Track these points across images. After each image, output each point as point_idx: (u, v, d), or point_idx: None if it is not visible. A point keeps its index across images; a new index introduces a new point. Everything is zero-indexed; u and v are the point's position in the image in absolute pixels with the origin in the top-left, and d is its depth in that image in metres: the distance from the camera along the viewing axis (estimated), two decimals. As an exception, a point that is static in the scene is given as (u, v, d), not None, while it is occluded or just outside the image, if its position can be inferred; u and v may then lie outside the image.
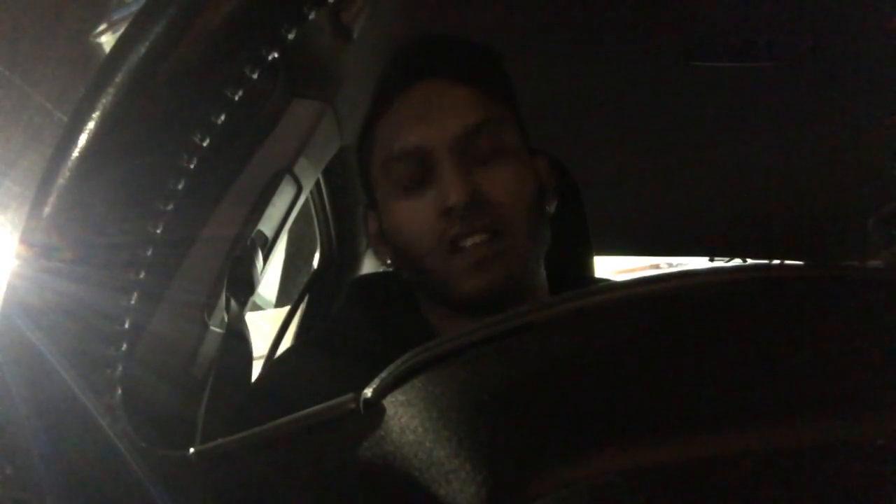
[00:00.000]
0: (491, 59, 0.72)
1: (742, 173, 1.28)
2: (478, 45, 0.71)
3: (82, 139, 0.35)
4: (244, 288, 0.69)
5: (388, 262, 0.73)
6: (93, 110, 0.35)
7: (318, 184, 1.10)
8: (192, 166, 0.37)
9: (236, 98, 0.38)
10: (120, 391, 0.37)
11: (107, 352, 0.36)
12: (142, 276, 0.37)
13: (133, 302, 0.37)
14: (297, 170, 0.77)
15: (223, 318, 0.66)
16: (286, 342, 1.23)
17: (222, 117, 0.37)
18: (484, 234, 0.62)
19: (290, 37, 0.38)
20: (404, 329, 0.69)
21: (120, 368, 0.37)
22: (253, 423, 0.34)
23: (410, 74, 0.68)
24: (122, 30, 0.36)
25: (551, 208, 0.73)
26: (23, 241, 0.35)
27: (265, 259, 0.80)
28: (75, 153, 0.35)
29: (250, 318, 0.76)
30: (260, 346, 0.87)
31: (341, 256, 1.26)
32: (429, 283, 0.67)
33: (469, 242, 0.62)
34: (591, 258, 0.88)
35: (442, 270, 0.64)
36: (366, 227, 0.75)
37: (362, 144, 0.73)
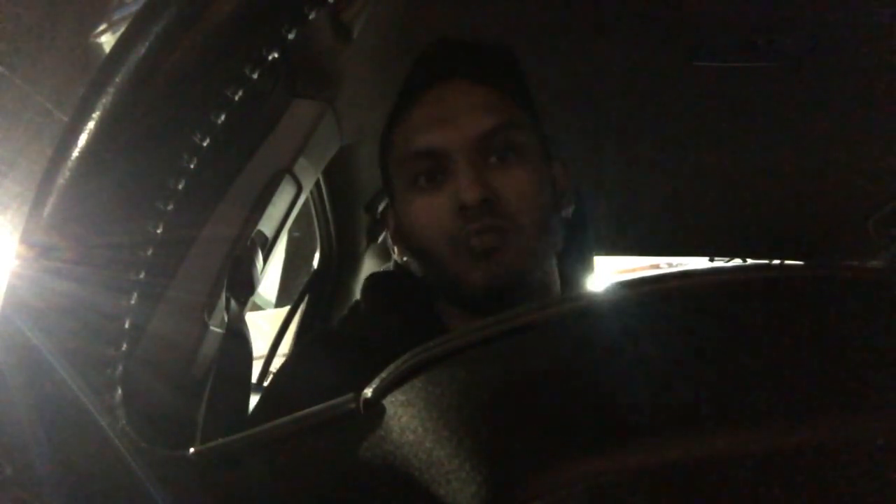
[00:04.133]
0: (512, 62, 0.74)
1: (742, 173, 1.28)
2: (499, 47, 0.73)
3: (82, 139, 0.35)
4: (244, 288, 0.69)
5: (405, 258, 0.75)
6: (93, 110, 0.35)
7: (318, 184, 1.10)
8: (192, 166, 0.37)
9: (236, 98, 0.38)
10: (120, 391, 0.37)
11: (107, 352, 0.36)
12: (142, 276, 0.37)
13: (133, 302, 0.37)
14: (297, 170, 0.77)
15: (223, 318, 0.66)
16: (286, 342, 1.23)
17: (222, 117, 0.37)
18: (493, 232, 0.63)
19: (291, 37, 0.38)
20: (419, 327, 0.70)
21: (120, 368, 0.37)
22: (274, 414, 0.34)
23: (433, 75, 0.70)
24: (122, 30, 0.36)
25: (567, 213, 0.75)
26: (23, 241, 0.35)
27: (265, 259, 0.80)
28: (75, 153, 0.35)
29: (250, 318, 0.76)
30: (260, 346, 0.87)
31: (341, 256, 1.26)
32: (441, 279, 0.68)
33: (478, 239, 0.63)
34: (592, 259, 0.88)
35: (452, 265, 0.65)
36: (385, 224, 0.78)
37: (384, 142, 0.75)
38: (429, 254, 0.67)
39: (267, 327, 1.82)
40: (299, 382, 0.67)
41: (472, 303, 0.67)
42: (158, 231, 0.37)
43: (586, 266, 0.87)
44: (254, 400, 0.69)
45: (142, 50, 0.35)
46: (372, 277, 0.81)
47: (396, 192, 0.73)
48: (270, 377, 0.72)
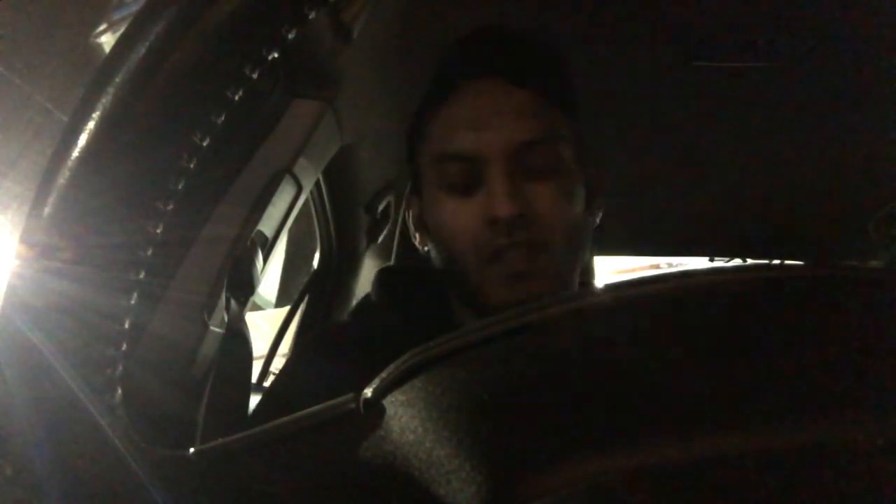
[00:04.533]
0: (557, 63, 0.70)
1: (742, 173, 1.28)
2: (543, 43, 0.69)
3: (82, 139, 0.35)
4: (244, 288, 0.69)
5: (426, 249, 0.73)
6: (93, 110, 0.35)
7: (318, 184, 1.10)
8: (192, 166, 0.37)
9: (236, 98, 0.38)
10: (120, 391, 0.37)
11: (107, 352, 0.36)
12: (142, 276, 0.37)
13: (133, 302, 0.37)
14: (297, 170, 0.77)
15: (223, 318, 0.66)
16: (286, 342, 1.23)
17: (222, 117, 0.37)
18: (525, 249, 0.62)
19: (291, 37, 0.38)
20: (432, 323, 0.69)
21: (120, 368, 0.37)
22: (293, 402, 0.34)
23: (470, 68, 0.67)
24: (122, 30, 0.36)
25: (596, 219, 0.73)
26: (23, 241, 0.35)
27: (265, 259, 0.80)
28: (75, 153, 0.35)
29: (250, 318, 0.76)
30: (260, 346, 0.87)
31: (341, 256, 1.26)
32: (462, 284, 0.67)
33: (510, 255, 0.62)
34: (592, 260, 0.88)
35: (477, 276, 0.64)
36: (406, 210, 0.75)
37: (413, 132, 0.72)
38: (453, 257, 0.66)
39: (267, 327, 1.82)
40: (305, 380, 0.66)
41: (491, 314, 0.66)
42: (158, 231, 0.37)
43: (586, 267, 0.87)
44: (254, 400, 0.69)
45: (142, 50, 0.35)
46: (384, 272, 0.79)
47: (425, 186, 0.70)
48: (275, 374, 0.72)
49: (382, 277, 0.78)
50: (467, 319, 0.69)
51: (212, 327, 0.65)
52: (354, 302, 1.34)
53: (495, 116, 0.64)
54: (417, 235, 0.75)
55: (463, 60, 0.69)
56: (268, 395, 0.69)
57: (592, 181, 0.70)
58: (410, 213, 0.75)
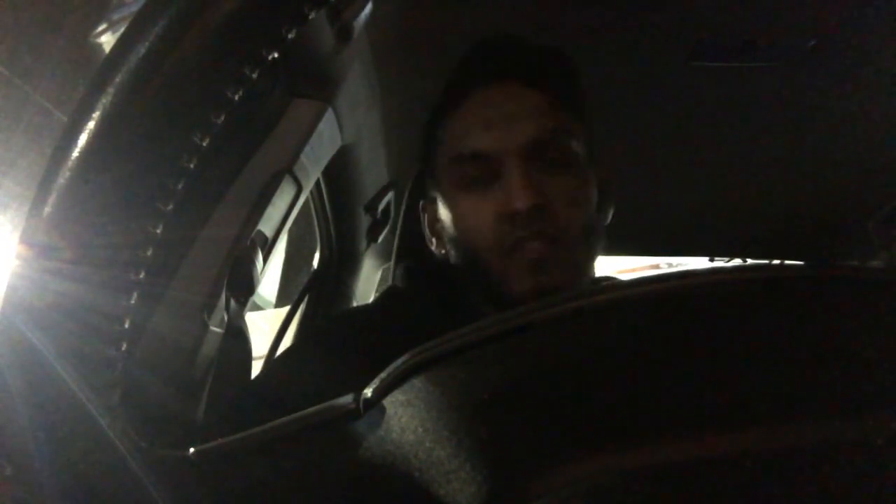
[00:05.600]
0: (566, 66, 0.73)
1: (742, 173, 1.28)
2: (554, 49, 0.72)
3: (82, 139, 0.35)
4: (244, 288, 0.69)
5: (443, 252, 0.75)
6: (93, 110, 0.35)
7: (318, 184, 1.10)
8: (192, 166, 0.37)
9: (236, 98, 0.38)
10: (120, 391, 0.37)
11: (107, 352, 0.36)
12: (142, 276, 0.37)
13: (133, 302, 0.37)
14: (297, 170, 0.77)
15: (223, 318, 0.66)
16: (286, 342, 1.23)
17: (222, 117, 0.37)
18: (543, 240, 0.63)
19: (290, 36, 0.38)
20: (455, 313, 0.70)
21: (120, 368, 0.37)
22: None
23: (485, 75, 0.70)
24: (122, 30, 0.36)
25: (607, 217, 0.75)
26: (23, 241, 0.35)
27: (265, 259, 0.79)
28: (75, 153, 0.35)
29: (250, 318, 0.76)
30: (260, 346, 0.87)
31: (341, 256, 1.26)
32: (482, 280, 0.68)
33: (529, 245, 0.63)
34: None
35: (497, 270, 0.65)
36: (424, 216, 0.78)
37: (429, 136, 0.75)
38: (473, 254, 0.67)
39: (267, 327, 1.82)
40: (316, 360, 0.68)
41: (514, 305, 0.67)
42: (158, 231, 0.37)
43: None
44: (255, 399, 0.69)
45: (142, 50, 0.35)
46: (409, 266, 0.81)
47: (441, 188, 0.72)
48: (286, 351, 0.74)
49: (406, 269, 0.79)
50: (488, 313, 0.71)
51: (212, 327, 0.65)
52: (354, 302, 1.34)
53: (510, 116, 0.66)
54: (434, 240, 0.77)
55: (478, 67, 0.72)
56: (280, 363, 0.71)
57: (603, 183, 0.73)
58: (426, 219, 0.77)
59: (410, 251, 0.96)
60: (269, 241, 0.80)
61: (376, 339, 0.60)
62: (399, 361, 0.32)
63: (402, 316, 0.70)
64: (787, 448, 0.27)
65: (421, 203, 0.79)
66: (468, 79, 0.71)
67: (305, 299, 1.27)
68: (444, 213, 0.72)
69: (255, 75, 0.38)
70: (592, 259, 0.70)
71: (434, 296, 0.73)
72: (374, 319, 0.73)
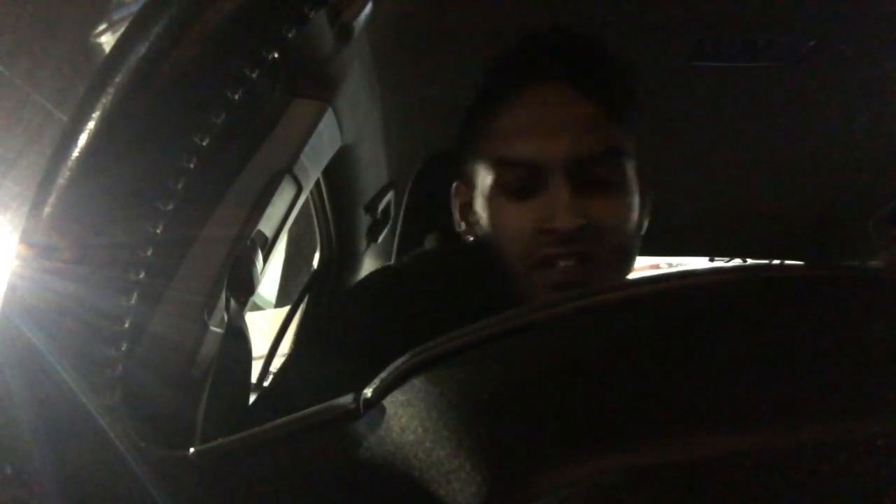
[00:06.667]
0: (625, 74, 0.68)
1: (742, 173, 1.28)
2: (612, 52, 0.67)
3: (82, 139, 0.35)
4: (244, 288, 0.69)
5: (471, 238, 0.72)
6: (93, 110, 0.35)
7: (318, 184, 1.10)
8: (192, 166, 0.37)
9: (236, 98, 0.38)
10: (120, 391, 0.37)
11: (107, 352, 0.36)
12: (142, 276, 0.37)
13: (133, 302, 0.37)
14: (296, 170, 0.77)
15: (223, 318, 0.66)
16: (286, 342, 1.23)
17: (222, 117, 0.37)
18: (577, 259, 0.61)
19: (291, 36, 0.38)
20: (485, 295, 0.67)
21: (120, 368, 0.37)
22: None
23: (536, 72, 0.66)
24: (122, 30, 0.36)
25: (643, 229, 0.73)
26: (23, 241, 0.35)
27: (265, 259, 0.79)
28: (75, 153, 0.35)
29: (250, 318, 0.76)
30: (260, 346, 0.87)
31: (341, 256, 1.26)
32: (507, 284, 0.66)
33: (561, 264, 0.61)
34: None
35: (524, 280, 0.63)
36: (456, 199, 0.74)
37: (468, 127, 0.71)
38: (502, 256, 0.65)
39: (267, 327, 1.82)
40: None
41: None
42: (158, 231, 0.37)
43: None
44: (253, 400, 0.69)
45: (142, 50, 0.35)
46: (423, 255, 0.78)
47: (480, 181, 0.68)
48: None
49: (425, 261, 0.76)
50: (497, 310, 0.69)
51: (212, 327, 0.65)
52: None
53: (560, 125, 0.62)
54: (463, 224, 0.73)
55: (529, 62, 0.67)
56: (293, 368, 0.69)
57: (646, 198, 0.71)
58: (457, 202, 0.74)
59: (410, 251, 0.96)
60: (269, 241, 0.80)
61: (387, 336, 0.59)
62: (399, 361, 0.32)
63: (412, 303, 0.67)
64: (788, 448, 0.27)
65: (455, 184, 0.75)
66: (518, 73, 0.66)
67: (305, 299, 1.27)
68: (479, 207, 0.68)
69: (255, 75, 0.38)
70: (624, 276, 0.67)
71: (457, 285, 0.69)
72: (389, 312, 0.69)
